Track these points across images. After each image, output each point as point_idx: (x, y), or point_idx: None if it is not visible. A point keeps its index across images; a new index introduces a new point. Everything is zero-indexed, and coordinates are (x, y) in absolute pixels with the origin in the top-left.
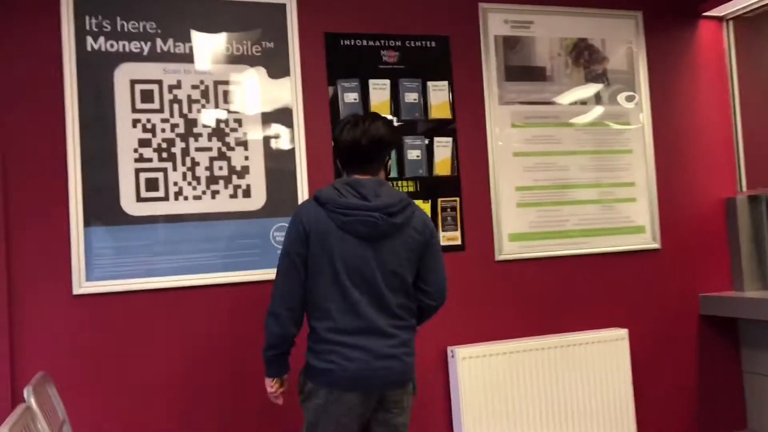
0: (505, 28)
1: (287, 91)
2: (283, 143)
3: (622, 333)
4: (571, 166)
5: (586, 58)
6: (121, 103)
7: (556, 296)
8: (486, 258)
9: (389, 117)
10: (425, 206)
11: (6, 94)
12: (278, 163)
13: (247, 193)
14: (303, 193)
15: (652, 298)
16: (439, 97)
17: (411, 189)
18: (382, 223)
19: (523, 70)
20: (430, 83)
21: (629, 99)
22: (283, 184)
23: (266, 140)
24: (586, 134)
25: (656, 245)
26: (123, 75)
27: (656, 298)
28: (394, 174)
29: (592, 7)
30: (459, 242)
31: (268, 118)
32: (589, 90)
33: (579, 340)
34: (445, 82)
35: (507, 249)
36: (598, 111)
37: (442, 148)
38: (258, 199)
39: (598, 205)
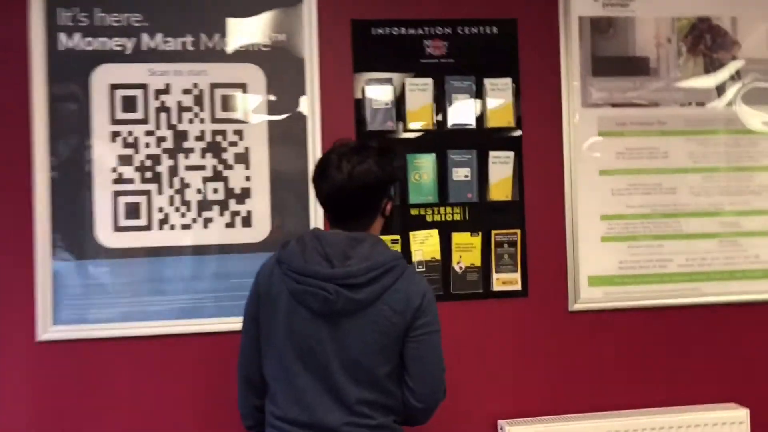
0: (595, 7)
1: (301, 96)
2: (294, 161)
3: (741, 414)
4: (680, 188)
5: (707, 44)
6: (97, 112)
7: (651, 359)
8: (556, 307)
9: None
10: (474, 240)
11: None
12: (287, 186)
13: (247, 222)
14: (316, 224)
15: None
16: (499, 98)
17: (458, 218)
18: (335, 299)
19: (617, 62)
20: (487, 81)
21: None
22: (292, 211)
23: (273, 157)
24: (704, 146)
25: None
26: (101, 78)
27: None
28: (434, 199)
29: None
30: (519, 287)
31: (276, 129)
32: (711, 86)
33: (680, 422)
34: (508, 80)
35: (586, 296)
36: (722, 114)
37: (501, 166)
38: (261, 230)
39: (715, 240)
